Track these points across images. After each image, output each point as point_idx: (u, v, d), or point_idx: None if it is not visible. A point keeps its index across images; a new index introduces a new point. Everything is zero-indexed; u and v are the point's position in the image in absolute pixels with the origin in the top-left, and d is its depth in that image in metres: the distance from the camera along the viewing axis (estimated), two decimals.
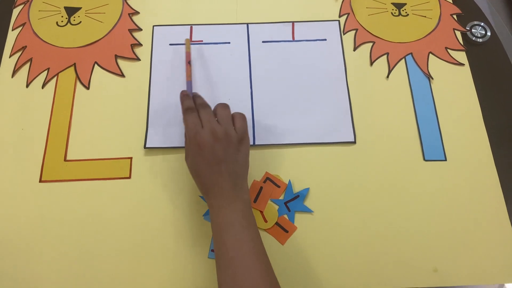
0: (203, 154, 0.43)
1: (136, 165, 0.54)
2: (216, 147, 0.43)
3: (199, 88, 0.58)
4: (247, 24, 0.63)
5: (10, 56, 0.61)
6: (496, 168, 0.54)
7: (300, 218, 0.51)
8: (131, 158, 0.54)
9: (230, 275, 0.39)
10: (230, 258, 0.40)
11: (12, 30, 0.63)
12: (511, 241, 0.50)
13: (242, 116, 0.47)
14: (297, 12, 0.65)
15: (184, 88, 0.54)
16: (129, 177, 0.53)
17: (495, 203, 0.52)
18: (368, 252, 0.49)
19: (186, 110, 0.46)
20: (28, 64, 0.60)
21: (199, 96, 0.50)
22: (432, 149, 0.55)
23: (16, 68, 0.60)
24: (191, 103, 0.48)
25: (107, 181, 0.53)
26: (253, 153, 0.54)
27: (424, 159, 0.54)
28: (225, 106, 0.48)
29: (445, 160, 0.54)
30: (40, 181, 0.53)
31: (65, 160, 0.54)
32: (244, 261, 0.40)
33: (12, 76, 0.59)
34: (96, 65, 0.60)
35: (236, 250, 0.40)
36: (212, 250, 0.49)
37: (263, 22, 0.64)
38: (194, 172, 0.45)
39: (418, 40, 0.63)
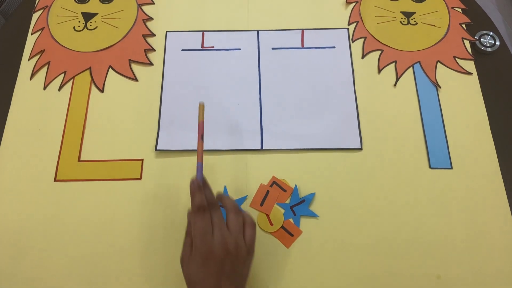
0: (208, 266, 0.39)
1: (147, 167, 0.55)
2: (225, 261, 0.40)
3: (210, 93, 0.60)
4: (258, 31, 0.65)
5: (29, 59, 0.63)
6: (502, 177, 0.54)
7: (305, 222, 0.52)
8: (142, 160, 0.56)
9: None
10: None
11: (32, 34, 0.65)
12: None
13: (253, 225, 0.43)
14: (306, 19, 0.66)
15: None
16: (140, 178, 0.55)
17: (501, 211, 0.52)
18: (372, 257, 0.50)
19: (198, 209, 0.41)
20: (45, 67, 0.62)
21: (210, 189, 0.44)
22: (438, 157, 0.55)
23: (34, 71, 0.62)
24: (204, 201, 0.41)
25: (119, 181, 0.54)
26: (260, 157, 0.56)
27: (430, 167, 0.55)
28: (237, 213, 0.43)
29: (451, 168, 0.55)
30: (55, 180, 0.55)
31: (79, 160, 0.56)
32: None
33: (31, 78, 0.62)
34: (110, 69, 0.62)
35: None
36: None
37: (273, 29, 0.65)
38: (192, 282, 0.40)
39: (426, 48, 0.63)
